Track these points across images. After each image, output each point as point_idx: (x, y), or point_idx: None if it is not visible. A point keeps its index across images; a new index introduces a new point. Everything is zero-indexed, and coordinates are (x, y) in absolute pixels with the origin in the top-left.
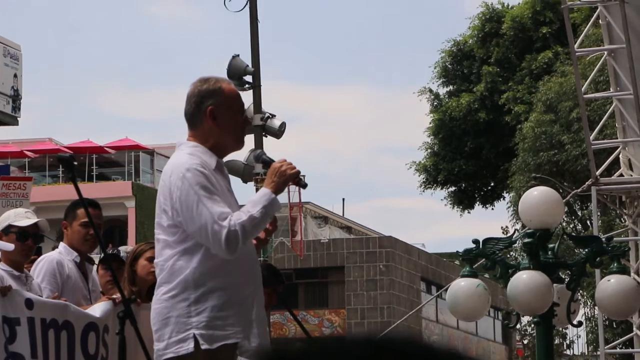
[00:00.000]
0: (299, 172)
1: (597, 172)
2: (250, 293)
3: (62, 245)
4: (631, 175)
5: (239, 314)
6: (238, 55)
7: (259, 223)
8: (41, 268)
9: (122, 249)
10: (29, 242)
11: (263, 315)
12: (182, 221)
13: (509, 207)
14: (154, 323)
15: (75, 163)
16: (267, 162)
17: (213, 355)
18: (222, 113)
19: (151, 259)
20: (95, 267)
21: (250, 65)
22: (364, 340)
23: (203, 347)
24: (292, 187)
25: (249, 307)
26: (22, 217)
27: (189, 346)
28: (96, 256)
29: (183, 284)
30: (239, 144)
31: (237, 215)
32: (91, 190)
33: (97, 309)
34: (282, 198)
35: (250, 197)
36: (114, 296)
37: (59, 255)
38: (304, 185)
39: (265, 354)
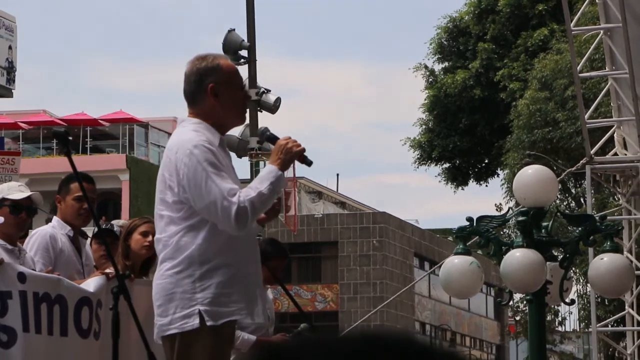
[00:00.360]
0: (304, 149)
1: (592, 151)
2: (253, 270)
3: (55, 220)
4: (625, 154)
5: (243, 291)
6: (234, 30)
7: (267, 199)
8: (34, 242)
9: (114, 222)
10: (23, 215)
11: (264, 292)
12: (190, 197)
13: (502, 184)
14: (157, 298)
15: (70, 138)
16: (273, 139)
17: (217, 331)
18: (222, 90)
19: (145, 234)
20: (88, 241)
21: (245, 40)
22: (359, 337)
23: (208, 323)
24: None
25: (253, 283)
26: (16, 190)
27: (194, 322)
28: (90, 230)
29: (188, 260)
30: (241, 120)
31: (246, 191)
32: (85, 162)
33: (91, 284)
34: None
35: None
36: (108, 271)
37: (52, 230)
38: (310, 163)
39: (261, 351)
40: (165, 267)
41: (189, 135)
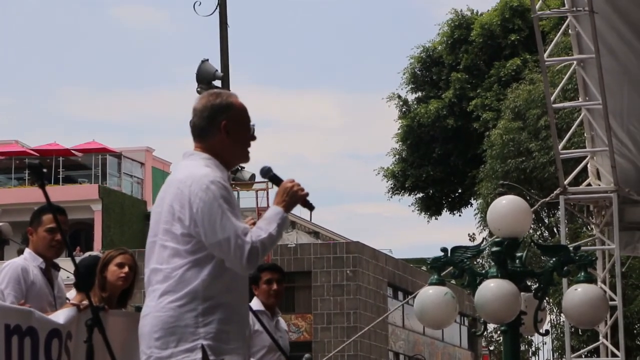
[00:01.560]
0: (308, 194)
1: (566, 182)
2: (246, 311)
3: (27, 251)
4: (599, 185)
5: (238, 331)
6: (207, 60)
7: (275, 241)
8: (5, 274)
9: (91, 254)
10: None
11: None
12: (201, 232)
13: (476, 213)
14: (156, 330)
15: (45, 170)
16: (276, 180)
17: None
18: (234, 128)
19: (121, 265)
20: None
21: (219, 70)
22: None
23: (211, 358)
24: (261, 193)
25: (245, 325)
26: None
27: (197, 356)
28: (61, 261)
29: (192, 294)
30: (246, 159)
31: (256, 232)
32: (57, 193)
33: (61, 315)
34: (250, 203)
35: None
36: (82, 302)
37: (24, 262)
38: (312, 208)
39: None
40: (167, 299)
41: (203, 170)
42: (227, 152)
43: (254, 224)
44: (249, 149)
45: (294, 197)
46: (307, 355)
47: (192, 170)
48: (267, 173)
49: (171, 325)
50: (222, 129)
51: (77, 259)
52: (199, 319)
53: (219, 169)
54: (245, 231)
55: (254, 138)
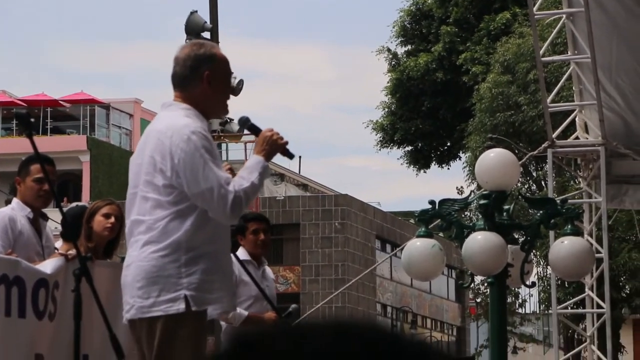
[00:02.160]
0: (287, 142)
1: (554, 135)
2: (230, 260)
3: (15, 201)
4: (587, 138)
5: (222, 280)
6: (196, 12)
7: (257, 190)
8: None
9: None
10: None
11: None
12: (184, 183)
13: (464, 167)
14: (139, 280)
15: (32, 120)
16: (255, 130)
17: (199, 316)
18: (216, 79)
19: (107, 215)
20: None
21: (208, 22)
22: (328, 326)
23: (193, 308)
24: (250, 145)
25: (229, 273)
26: None
27: (180, 306)
28: (50, 211)
29: (175, 245)
30: (225, 112)
31: (239, 181)
32: (45, 143)
33: (48, 265)
34: (239, 155)
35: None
36: (69, 252)
37: (11, 211)
38: (292, 156)
39: (235, 340)
40: (150, 249)
41: (184, 121)
42: (208, 102)
43: (230, 169)
44: (228, 102)
45: (274, 145)
46: (294, 305)
47: (172, 120)
48: (245, 123)
49: (154, 275)
50: (205, 79)
51: (65, 209)
52: (182, 270)
53: (199, 119)
54: (228, 181)
55: (233, 90)
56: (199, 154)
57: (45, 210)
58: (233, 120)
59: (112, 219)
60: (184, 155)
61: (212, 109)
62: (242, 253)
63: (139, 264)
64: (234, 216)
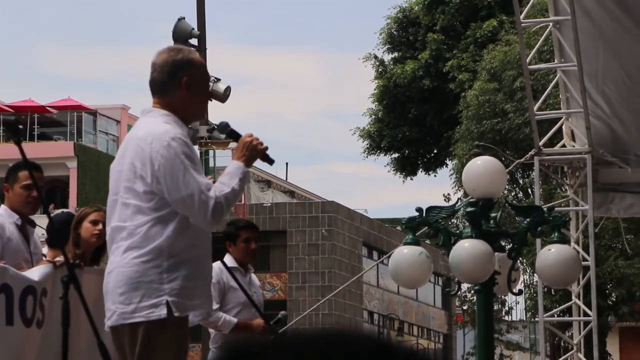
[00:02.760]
0: (267, 147)
1: (540, 143)
2: (210, 266)
3: (2, 208)
4: (573, 146)
5: (203, 286)
6: (184, 18)
7: (237, 196)
8: None
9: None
10: None
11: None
12: (164, 189)
13: (451, 174)
14: (120, 286)
15: (21, 127)
16: (235, 135)
17: (181, 322)
18: (194, 85)
19: (95, 222)
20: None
21: (196, 28)
22: (320, 336)
23: (175, 314)
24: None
25: (209, 280)
26: None
27: (162, 312)
28: (37, 218)
29: (157, 250)
30: (202, 114)
31: (219, 187)
32: (33, 149)
33: (36, 272)
34: (226, 161)
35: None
36: (57, 259)
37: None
38: (272, 162)
39: (228, 350)
40: (131, 255)
41: (164, 127)
42: (187, 108)
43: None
44: (206, 106)
45: (253, 151)
46: (282, 312)
47: (152, 127)
48: (225, 128)
49: (135, 281)
50: (184, 85)
51: (52, 215)
52: (164, 275)
53: (179, 125)
54: (209, 187)
55: (212, 95)
56: (179, 160)
57: (32, 216)
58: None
59: (100, 226)
60: (164, 162)
61: (191, 114)
62: (229, 260)
63: (121, 270)
64: (214, 222)
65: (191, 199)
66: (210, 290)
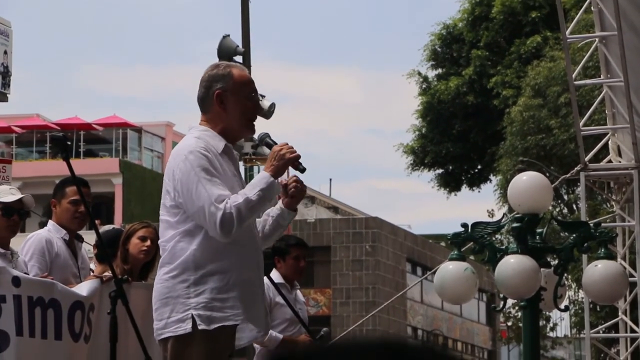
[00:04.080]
0: (298, 156)
1: (586, 158)
2: (253, 276)
3: (50, 223)
4: (619, 162)
5: (240, 298)
6: (228, 36)
7: (255, 206)
8: (30, 246)
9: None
10: (15, 218)
11: (265, 298)
12: (183, 202)
13: (495, 190)
14: (155, 302)
15: (69, 143)
16: (270, 145)
17: (211, 336)
18: (229, 98)
19: (143, 238)
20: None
21: (240, 46)
22: (377, 345)
23: (200, 327)
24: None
25: (252, 289)
26: (7, 194)
27: (187, 326)
28: (85, 234)
29: (183, 265)
30: (247, 130)
31: (234, 197)
32: (78, 166)
33: (84, 287)
34: None
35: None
36: (105, 274)
37: (48, 234)
38: (302, 170)
39: (279, 356)
40: (163, 271)
41: (188, 142)
42: (224, 121)
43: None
44: (251, 119)
45: (282, 159)
46: (325, 329)
47: (182, 143)
48: (262, 139)
49: (165, 297)
50: (215, 98)
51: (101, 231)
52: (191, 289)
53: (214, 139)
54: (221, 198)
55: (257, 109)
56: (194, 173)
57: (79, 232)
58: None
59: (148, 242)
60: (181, 175)
61: (230, 128)
62: (275, 276)
63: (156, 287)
64: (224, 234)
65: (202, 211)
66: (255, 299)
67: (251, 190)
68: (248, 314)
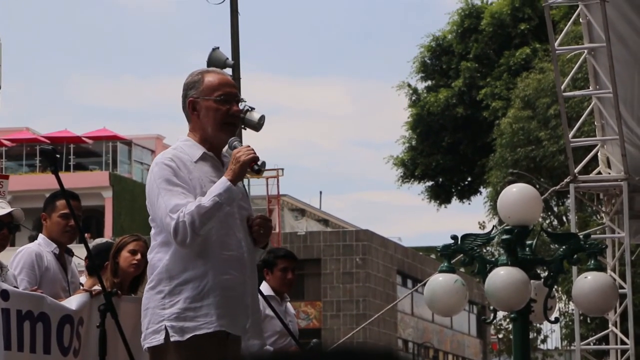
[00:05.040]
0: (254, 157)
1: (576, 170)
2: (235, 279)
3: (41, 237)
4: (609, 173)
5: (216, 304)
6: (218, 48)
7: (209, 212)
8: (19, 260)
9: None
10: (4, 232)
11: (256, 302)
12: (151, 215)
13: (485, 202)
14: (141, 316)
15: (58, 156)
16: (234, 149)
17: (184, 347)
18: (200, 104)
19: (133, 252)
20: (73, 259)
21: (230, 58)
22: (382, 353)
23: (172, 339)
24: (271, 180)
25: (233, 292)
26: None
27: (160, 338)
28: (75, 247)
29: (159, 276)
30: (222, 133)
31: (189, 206)
32: (68, 180)
33: (73, 301)
34: (260, 190)
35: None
36: (93, 288)
37: (38, 247)
38: (257, 171)
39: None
40: (147, 286)
41: (159, 155)
42: (200, 128)
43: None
44: (225, 123)
45: (238, 162)
46: (315, 340)
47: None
48: (231, 144)
49: (144, 309)
50: (189, 106)
51: (90, 245)
52: (166, 300)
53: (192, 148)
54: (176, 208)
55: (231, 112)
56: (156, 185)
57: (69, 245)
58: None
59: (139, 256)
60: (148, 189)
61: (207, 135)
62: (265, 288)
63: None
64: (180, 243)
65: (161, 222)
66: (238, 307)
67: (207, 197)
68: (224, 320)
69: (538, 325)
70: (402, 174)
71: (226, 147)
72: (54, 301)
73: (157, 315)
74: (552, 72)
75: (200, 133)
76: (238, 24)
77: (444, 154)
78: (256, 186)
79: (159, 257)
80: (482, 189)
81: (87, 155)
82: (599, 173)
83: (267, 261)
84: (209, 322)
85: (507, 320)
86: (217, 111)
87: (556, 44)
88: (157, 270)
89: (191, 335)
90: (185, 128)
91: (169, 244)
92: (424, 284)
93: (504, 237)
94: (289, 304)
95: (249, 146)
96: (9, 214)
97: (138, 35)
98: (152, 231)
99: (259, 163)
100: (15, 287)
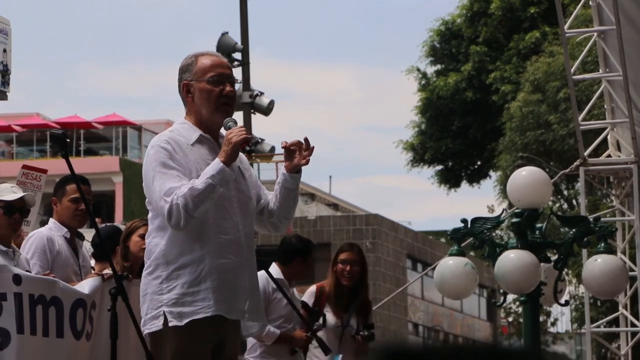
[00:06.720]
0: (245, 138)
1: (586, 153)
2: (232, 262)
3: (51, 221)
4: (619, 156)
5: (213, 288)
6: (227, 33)
7: (202, 194)
8: (31, 244)
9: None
10: (16, 216)
11: (255, 284)
12: (147, 198)
13: (495, 185)
14: (140, 302)
15: (68, 140)
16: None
17: (183, 332)
18: (194, 86)
19: (143, 236)
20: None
21: (239, 43)
22: (487, 349)
23: (171, 324)
24: (281, 165)
25: (231, 277)
26: (8, 192)
27: (159, 323)
28: (86, 232)
29: (156, 261)
30: (216, 115)
31: (183, 188)
32: (79, 165)
33: (86, 285)
34: (270, 175)
35: None
36: (104, 272)
37: (49, 232)
38: (249, 151)
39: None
40: (144, 271)
41: (155, 138)
42: (196, 111)
43: None
44: (219, 104)
45: (230, 144)
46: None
47: None
48: (226, 124)
49: (143, 295)
50: (183, 89)
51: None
52: (163, 286)
53: (188, 130)
54: (170, 191)
55: (225, 93)
56: (151, 168)
57: (80, 230)
58: (264, 140)
59: None
60: (144, 171)
61: (203, 117)
62: (275, 271)
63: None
64: (174, 226)
65: (157, 205)
66: (237, 289)
67: (201, 178)
68: (221, 304)
69: (548, 308)
70: (411, 158)
71: (222, 128)
72: (66, 285)
73: (155, 300)
74: (561, 56)
75: (195, 115)
76: (247, 9)
77: (454, 138)
78: (266, 170)
79: (155, 242)
80: (491, 173)
81: (98, 141)
82: (609, 156)
83: (299, 249)
84: (206, 307)
85: (517, 303)
86: (211, 92)
87: (566, 27)
88: (154, 255)
89: (189, 320)
90: None
91: (165, 229)
92: (434, 268)
93: (514, 220)
94: (295, 289)
95: (242, 127)
96: (21, 198)
97: (148, 20)
98: (149, 214)
99: (251, 143)
100: (27, 271)
